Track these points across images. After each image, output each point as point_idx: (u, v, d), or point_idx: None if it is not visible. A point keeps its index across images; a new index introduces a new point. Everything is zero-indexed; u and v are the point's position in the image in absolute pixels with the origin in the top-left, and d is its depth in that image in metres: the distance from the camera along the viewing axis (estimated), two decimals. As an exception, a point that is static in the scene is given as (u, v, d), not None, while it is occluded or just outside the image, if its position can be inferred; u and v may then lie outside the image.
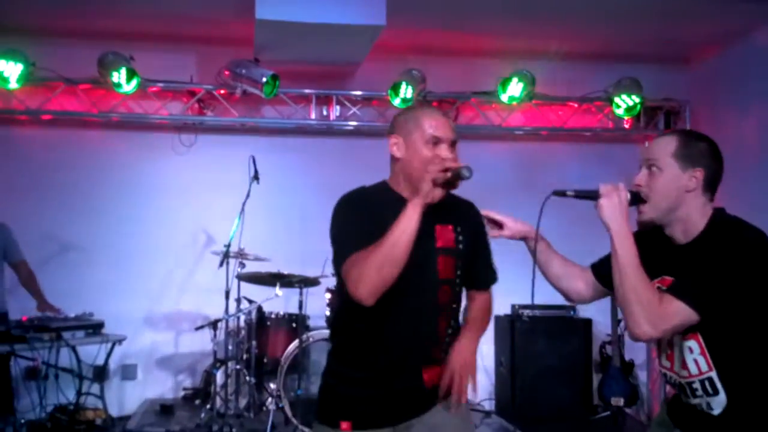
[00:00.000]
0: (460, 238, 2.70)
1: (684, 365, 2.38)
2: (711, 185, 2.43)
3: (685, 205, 2.40)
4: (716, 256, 2.25)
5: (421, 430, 2.66)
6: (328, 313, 6.04)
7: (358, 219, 2.59)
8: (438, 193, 2.51)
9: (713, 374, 2.32)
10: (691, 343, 2.34)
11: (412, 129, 2.65)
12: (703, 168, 2.41)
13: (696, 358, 2.35)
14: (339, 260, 2.54)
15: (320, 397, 2.79)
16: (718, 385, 2.33)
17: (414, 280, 2.53)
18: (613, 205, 2.36)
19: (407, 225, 2.42)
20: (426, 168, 2.51)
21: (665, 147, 2.41)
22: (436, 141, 2.61)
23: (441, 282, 2.66)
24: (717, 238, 2.33)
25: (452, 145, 2.64)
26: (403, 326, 2.61)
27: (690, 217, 2.40)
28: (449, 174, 2.51)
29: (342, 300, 2.67)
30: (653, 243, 2.47)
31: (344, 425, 2.62)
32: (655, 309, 2.24)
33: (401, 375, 2.64)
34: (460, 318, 2.81)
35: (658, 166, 2.41)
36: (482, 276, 2.87)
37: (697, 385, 2.37)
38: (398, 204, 2.52)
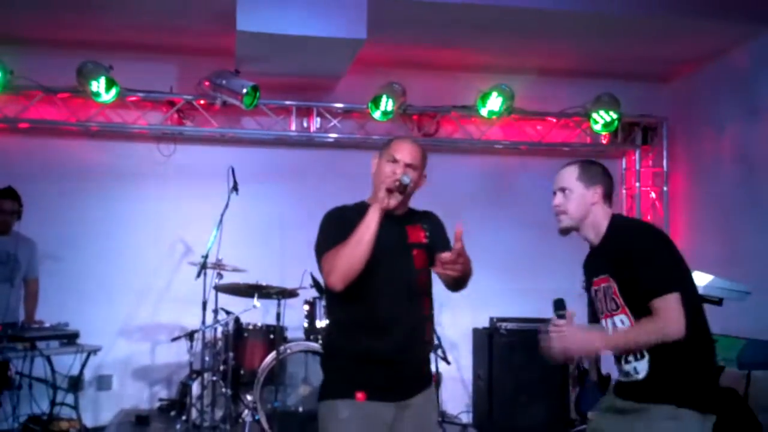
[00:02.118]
0: (427, 234, 3.24)
1: None
2: (608, 197, 3.13)
3: (592, 214, 3.09)
4: (639, 245, 2.95)
5: (414, 410, 3.11)
6: (306, 324, 6.03)
7: (336, 227, 3.09)
8: (393, 201, 3.04)
9: None
10: (622, 317, 2.96)
11: (384, 151, 3.22)
12: (602, 185, 3.11)
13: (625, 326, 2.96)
14: (318, 258, 3.07)
15: (332, 376, 3.16)
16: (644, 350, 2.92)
17: (396, 271, 3.10)
18: (578, 346, 2.98)
19: (369, 224, 2.96)
20: (382, 181, 3.07)
21: (571, 174, 3.12)
22: (394, 160, 3.14)
23: (418, 271, 3.17)
24: (624, 232, 3.04)
25: (407, 167, 3.14)
26: (394, 309, 3.08)
27: (597, 222, 3.09)
28: (396, 183, 3.06)
29: (334, 296, 3.11)
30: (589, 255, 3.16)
31: (359, 395, 3.02)
32: (666, 326, 2.79)
33: (403, 351, 3.07)
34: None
35: (569, 189, 3.10)
36: (443, 245, 3.21)
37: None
38: (366, 210, 3.02)
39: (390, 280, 3.08)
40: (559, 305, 2.95)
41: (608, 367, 6.68)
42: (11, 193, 5.87)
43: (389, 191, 3.03)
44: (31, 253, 5.97)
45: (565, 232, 3.16)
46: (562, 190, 3.12)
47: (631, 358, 2.95)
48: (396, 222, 3.12)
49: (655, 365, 2.89)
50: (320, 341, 5.69)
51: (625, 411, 3.00)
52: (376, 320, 3.07)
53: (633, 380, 2.97)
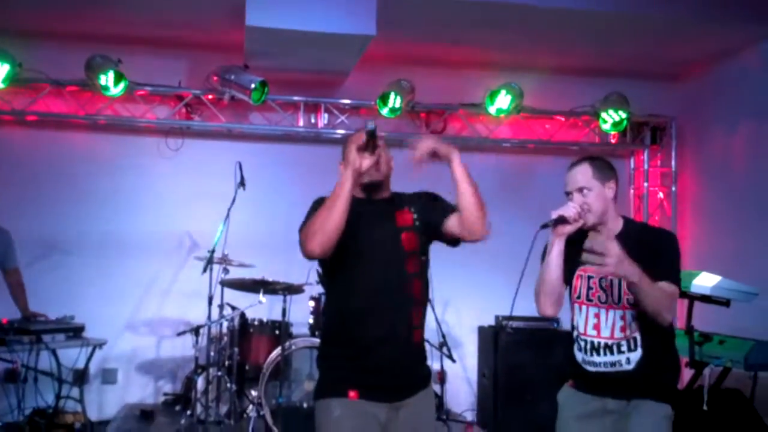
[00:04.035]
0: (416, 216, 3.14)
1: (619, 329, 3.11)
2: (616, 192, 3.24)
3: (610, 209, 3.19)
4: (668, 246, 3.13)
5: (409, 410, 3.04)
6: (311, 320, 6.02)
7: (318, 207, 3.00)
8: (366, 162, 2.95)
9: (637, 334, 3.09)
10: (632, 311, 3.08)
11: (345, 150, 3.13)
12: (614, 180, 3.21)
13: (631, 323, 3.09)
14: (299, 232, 3.01)
15: (326, 375, 3.12)
16: (639, 341, 3.10)
17: (384, 256, 3.04)
18: (619, 266, 2.85)
19: (341, 190, 2.90)
20: (354, 169, 2.95)
21: (585, 174, 3.18)
22: (360, 148, 2.98)
23: (408, 253, 3.08)
24: (649, 234, 3.26)
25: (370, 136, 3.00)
26: (383, 296, 3.02)
27: (614, 218, 3.21)
28: (363, 137, 2.94)
29: (327, 290, 3.22)
30: (575, 242, 3.13)
31: (352, 393, 2.98)
32: (667, 303, 2.99)
33: (392, 339, 3.01)
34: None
35: (587, 188, 3.16)
36: (441, 211, 3.14)
37: (623, 343, 3.11)
38: (353, 200, 2.93)
39: (377, 264, 3.02)
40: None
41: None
42: None
43: (360, 149, 2.95)
44: (6, 243, 5.75)
45: (588, 227, 3.18)
46: (580, 190, 3.16)
47: (624, 348, 3.11)
48: (382, 208, 3.12)
49: (646, 355, 3.08)
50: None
51: (617, 412, 3.11)
52: (364, 306, 3.02)
53: (619, 371, 3.10)
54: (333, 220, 2.87)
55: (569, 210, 3.10)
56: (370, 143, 2.95)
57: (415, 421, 3.07)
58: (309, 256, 2.96)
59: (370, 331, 3.00)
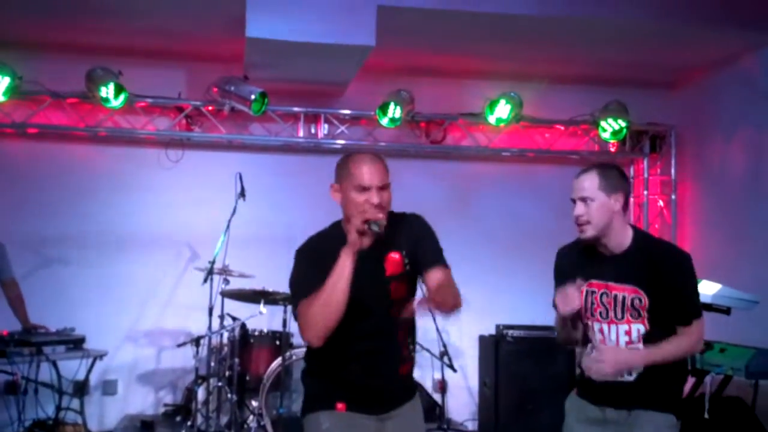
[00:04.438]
0: (407, 260, 2.97)
1: (624, 343, 3.08)
2: (627, 204, 3.14)
3: (614, 222, 3.08)
4: (683, 270, 3.06)
5: (397, 422, 3.02)
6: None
7: (309, 270, 2.88)
8: (366, 241, 2.81)
9: (640, 345, 3.05)
10: (639, 326, 3.05)
11: (344, 177, 2.93)
12: (622, 191, 3.10)
13: (636, 336, 3.05)
14: (293, 305, 2.92)
15: (311, 390, 3.08)
16: None
17: (371, 305, 2.90)
18: (614, 362, 3.02)
19: (340, 274, 2.74)
20: (357, 212, 2.81)
21: (591, 183, 3.07)
22: (363, 188, 2.85)
23: (395, 302, 2.95)
24: (660, 251, 3.13)
25: (382, 189, 2.87)
26: (368, 343, 2.94)
27: (619, 231, 3.10)
28: (367, 226, 2.78)
29: None
30: (580, 256, 3.20)
31: (339, 405, 2.95)
32: (698, 345, 3.12)
33: (378, 379, 2.97)
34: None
35: (591, 198, 3.06)
36: (430, 256, 2.98)
37: None
38: (342, 241, 2.78)
39: (363, 314, 2.86)
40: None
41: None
42: None
43: (361, 233, 2.78)
44: (1, 255, 5.70)
45: (587, 240, 3.13)
46: (583, 200, 3.08)
47: None
48: (371, 251, 2.88)
49: (649, 369, 3.03)
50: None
51: (617, 422, 3.09)
52: (348, 351, 2.93)
53: (621, 382, 3.07)
54: (333, 313, 2.75)
55: (566, 307, 3.06)
56: (374, 233, 2.82)
57: (404, 431, 3.06)
58: (308, 344, 2.91)
59: (353, 372, 2.96)
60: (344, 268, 2.74)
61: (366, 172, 2.87)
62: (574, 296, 3.03)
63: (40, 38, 6.35)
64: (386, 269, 2.95)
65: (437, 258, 2.97)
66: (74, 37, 6.34)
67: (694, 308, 3.07)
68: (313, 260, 2.91)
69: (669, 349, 3.01)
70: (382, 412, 3.01)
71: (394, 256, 2.96)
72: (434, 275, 2.91)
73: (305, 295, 2.81)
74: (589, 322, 3.18)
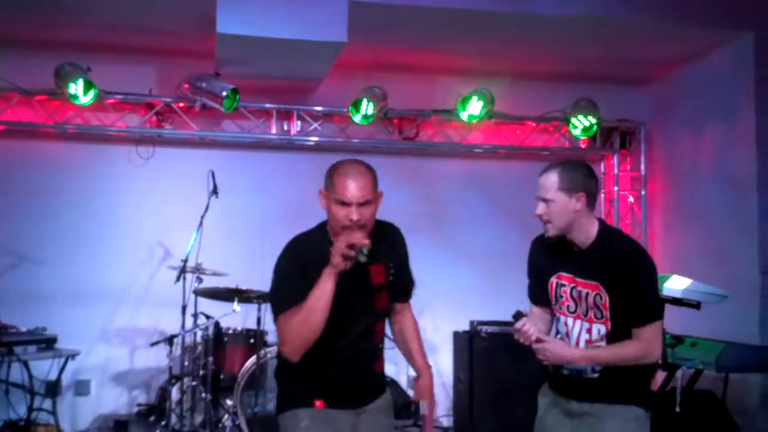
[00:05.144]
0: (391, 272, 3.07)
1: (584, 342, 3.11)
2: (592, 201, 3.12)
3: (577, 220, 3.08)
4: (641, 271, 3.04)
5: (371, 416, 3.09)
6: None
7: (291, 278, 2.88)
8: (349, 264, 2.76)
9: (603, 343, 3.08)
10: (600, 327, 3.07)
11: (328, 187, 2.90)
12: (584, 191, 3.06)
13: (596, 337, 3.08)
14: (273, 316, 2.92)
15: (288, 388, 3.08)
16: None
17: (356, 314, 2.98)
18: (555, 357, 3.04)
19: (320, 295, 2.74)
20: (338, 225, 2.84)
21: (551, 183, 3.07)
22: (343, 203, 2.82)
23: (379, 312, 3.09)
24: (622, 250, 3.09)
25: (363, 205, 2.84)
26: (349, 350, 3.01)
27: (584, 228, 3.10)
28: (352, 252, 2.73)
29: None
30: (553, 247, 3.21)
31: (318, 403, 2.97)
32: (650, 353, 3.03)
33: (356, 378, 3.06)
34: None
35: (551, 200, 3.06)
36: (405, 288, 3.25)
37: None
38: (326, 253, 2.78)
39: (348, 319, 2.94)
40: (518, 316, 3.05)
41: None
42: None
43: (345, 258, 2.74)
44: None
45: (552, 238, 3.16)
46: (544, 200, 3.09)
47: None
48: (357, 263, 2.84)
49: (613, 367, 3.07)
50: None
51: (582, 414, 3.13)
52: (330, 357, 2.97)
53: (587, 378, 3.12)
54: (313, 330, 2.78)
55: (526, 342, 3.05)
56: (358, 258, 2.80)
57: (376, 426, 3.12)
58: (284, 357, 2.93)
59: (332, 373, 3.01)
60: (325, 289, 2.74)
61: (347, 187, 2.81)
62: (528, 332, 3.02)
63: (8, 34, 6.26)
64: (372, 279, 3.00)
65: (407, 295, 3.26)
66: (43, 33, 6.27)
67: (648, 310, 3.04)
68: (295, 270, 2.89)
69: (613, 352, 3.04)
70: (359, 405, 3.08)
71: (380, 266, 3.01)
72: (407, 314, 3.28)
73: (285, 308, 2.83)
74: (557, 314, 3.23)
